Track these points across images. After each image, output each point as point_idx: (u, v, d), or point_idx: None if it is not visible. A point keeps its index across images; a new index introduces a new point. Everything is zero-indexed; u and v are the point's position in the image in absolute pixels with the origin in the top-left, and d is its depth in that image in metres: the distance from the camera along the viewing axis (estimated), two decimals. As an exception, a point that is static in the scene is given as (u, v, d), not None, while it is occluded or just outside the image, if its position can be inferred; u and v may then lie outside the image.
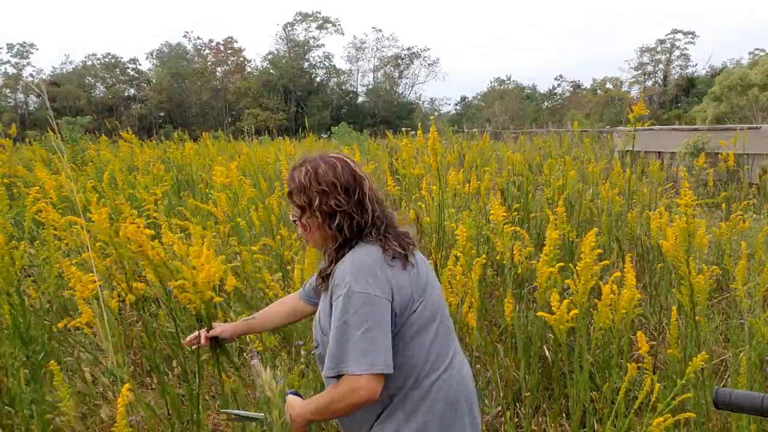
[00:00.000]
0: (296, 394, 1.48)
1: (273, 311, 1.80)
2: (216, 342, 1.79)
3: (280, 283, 2.75)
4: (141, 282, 2.19)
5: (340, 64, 59.31)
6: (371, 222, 1.42)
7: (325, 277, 1.45)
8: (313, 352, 1.43)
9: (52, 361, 1.59)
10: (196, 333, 1.78)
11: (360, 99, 50.37)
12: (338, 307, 1.31)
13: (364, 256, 1.37)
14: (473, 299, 2.43)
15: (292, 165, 1.49)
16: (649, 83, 42.32)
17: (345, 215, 1.40)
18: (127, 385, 1.51)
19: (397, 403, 1.38)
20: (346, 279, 1.32)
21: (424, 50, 54.24)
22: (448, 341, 1.47)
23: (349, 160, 1.46)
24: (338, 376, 1.29)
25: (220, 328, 1.78)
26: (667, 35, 42.40)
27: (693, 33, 42.23)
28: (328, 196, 1.40)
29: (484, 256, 2.69)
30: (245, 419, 1.57)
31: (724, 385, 2.59)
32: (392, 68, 50.95)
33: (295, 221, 1.49)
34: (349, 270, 1.34)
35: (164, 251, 1.75)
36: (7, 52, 43.89)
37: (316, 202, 1.41)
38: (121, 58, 46.56)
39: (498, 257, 3.01)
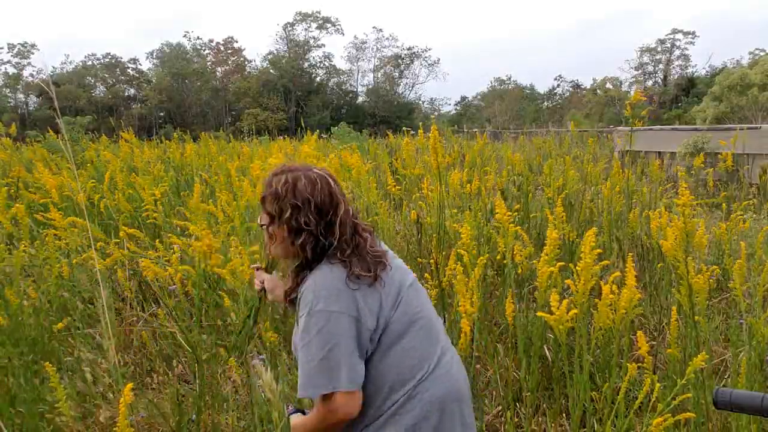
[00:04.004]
0: (299, 411, 1.44)
1: None
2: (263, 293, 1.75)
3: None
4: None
5: (340, 64, 59.29)
6: (336, 245, 1.39)
7: (292, 300, 1.45)
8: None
9: (47, 363, 1.59)
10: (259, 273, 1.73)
11: (360, 99, 50.36)
12: (302, 327, 1.31)
13: (327, 274, 1.36)
14: (473, 299, 2.43)
15: (272, 170, 1.46)
16: (649, 83, 42.31)
17: (310, 235, 1.38)
18: (129, 385, 1.51)
19: (383, 410, 1.37)
20: (308, 298, 1.32)
21: (425, 50, 54.18)
22: (431, 342, 1.45)
23: (330, 180, 1.43)
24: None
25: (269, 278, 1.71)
26: (667, 35, 42.38)
27: (693, 33, 42.24)
28: (300, 212, 1.37)
29: (486, 255, 2.69)
30: None
31: (724, 385, 2.60)
32: (392, 68, 50.93)
33: (262, 227, 1.45)
34: (311, 289, 1.34)
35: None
36: (8, 52, 43.88)
37: (287, 214, 1.38)
38: (121, 58, 46.57)
39: (499, 257, 3.01)
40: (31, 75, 43.98)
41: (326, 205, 1.39)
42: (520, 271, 2.96)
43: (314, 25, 48.99)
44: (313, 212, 1.37)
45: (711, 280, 2.58)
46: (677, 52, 42.05)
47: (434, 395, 1.39)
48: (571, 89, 48.02)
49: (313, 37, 49.32)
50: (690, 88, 37.18)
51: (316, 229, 1.37)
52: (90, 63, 46.09)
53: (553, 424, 2.47)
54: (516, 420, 2.50)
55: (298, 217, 1.37)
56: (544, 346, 2.73)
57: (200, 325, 3.27)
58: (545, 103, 47.59)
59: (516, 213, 4.24)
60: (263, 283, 1.67)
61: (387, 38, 67.39)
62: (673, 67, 42.20)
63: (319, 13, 48.84)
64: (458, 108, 52.80)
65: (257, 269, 1.70)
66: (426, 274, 2.63)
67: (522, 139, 12.77)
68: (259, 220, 1.47)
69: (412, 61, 51.07)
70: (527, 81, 69.28)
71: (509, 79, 50.30)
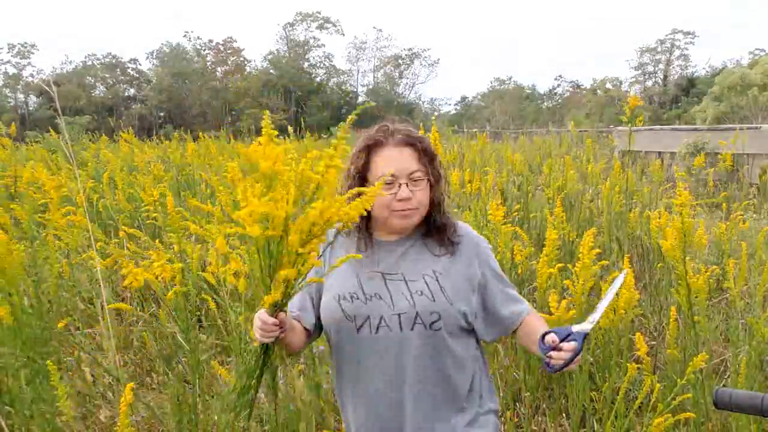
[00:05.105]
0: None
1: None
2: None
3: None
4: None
5: (341, 64, 59.31)
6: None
7: (448, 239, 1.33)
8: (435, 327, 1.26)
9: (49, 361, 1.59)
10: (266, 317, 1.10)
11: (360, 99, 50.36)
12: (492, 259, 1.40)
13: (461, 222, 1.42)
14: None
15: (387, 124, 1.32)
16: (649, 83, 42.29)
17: (445, 184, 1.35)
18: (130, 385, 1.51)
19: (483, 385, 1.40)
20: (479, 237, 1.42)
21: (425, 50, 54.12)
22: None
23: None
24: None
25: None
26: (667, 35, 42.28)
27: (693, 33, 42.19)
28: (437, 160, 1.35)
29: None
30: None
31: (724, 385, 2.60)
32: (392, 68, 50.93)
33: (416, 180, 1.27)
34: (473, 231, 1.42)
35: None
36: (8, 52, 43.82)
37: (437, 161, 1.32)
38: (122, 58, 46.51)
39: (498, 257, 3.01)
40: (31, 75, 43.95)
41: None
42: (519, 271, 2.96)
43: (314, 25, 48.96)
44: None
45: (711, 280, 2.58)
46: (677, 52, 42.04)
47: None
48: (571, 89, 48.00)
49: (313, 37, 49.32)
50: (690, 88, 37.13)
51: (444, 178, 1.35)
52: (90, 63, 46.04)
53: (552, 424, 2.47)
54: (516, 420, 2.50)
55: (438, 166, 1.32)
56: (544, 346, 2.72)
57: (200, 325, 3.28)
58: (545, 103, 47.55)
59: (516, 213, 4.24)
60: (279, 324, 1.12)
61: (387, 38, 67.45)
62: (673, 67, 42.19)
63: (319, 13, 48.83)
64: (458, 108, 52.76)
65: (276, 315, 1.11)
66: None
67: (522, 139, 12.77)
68: (411, 178, 1.26)
69: (412, 61, 51.04)
70: (527, 81, 69.37)
71: (509, 79, 50.26)
